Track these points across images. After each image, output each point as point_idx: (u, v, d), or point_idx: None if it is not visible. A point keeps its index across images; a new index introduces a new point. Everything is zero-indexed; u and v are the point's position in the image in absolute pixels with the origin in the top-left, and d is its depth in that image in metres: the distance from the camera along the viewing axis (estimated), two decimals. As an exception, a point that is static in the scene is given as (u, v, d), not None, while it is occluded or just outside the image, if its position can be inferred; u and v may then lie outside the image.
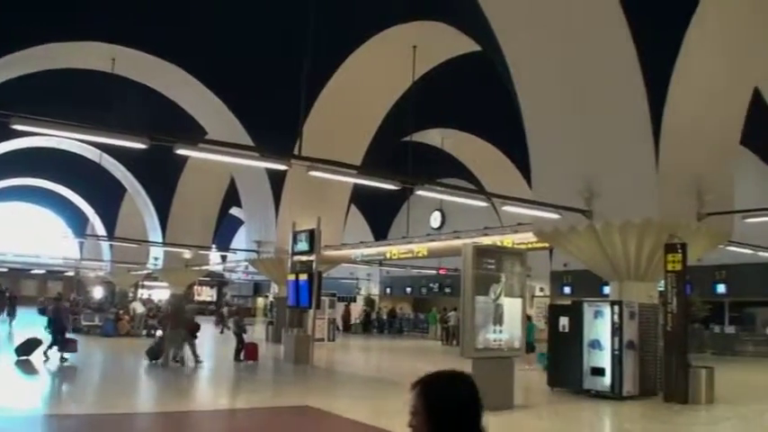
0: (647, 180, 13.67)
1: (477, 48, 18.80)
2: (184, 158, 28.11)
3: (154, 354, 17.15)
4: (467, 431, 2.05)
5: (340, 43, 21.09)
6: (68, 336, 17.73)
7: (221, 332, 31.27)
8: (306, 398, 12.40)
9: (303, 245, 19.54)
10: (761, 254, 20.76)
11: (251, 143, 21.54)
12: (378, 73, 22.28)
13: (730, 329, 27.79)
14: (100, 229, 43.39)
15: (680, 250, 13.15)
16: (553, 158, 15.30)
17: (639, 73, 13.37)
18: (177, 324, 17.31)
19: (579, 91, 14.39)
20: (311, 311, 18.89)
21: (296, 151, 12.59)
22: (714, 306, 24.94)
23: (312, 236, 19.12)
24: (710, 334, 27.35)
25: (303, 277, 18.69)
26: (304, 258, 19.49)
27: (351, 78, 22.16)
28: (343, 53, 21.68)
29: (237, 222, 44.71)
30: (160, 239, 34.25)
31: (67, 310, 20.16)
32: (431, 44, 20.90)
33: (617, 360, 13.00)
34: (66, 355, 16.64)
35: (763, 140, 22.58)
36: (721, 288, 27.69)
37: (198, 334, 18.05)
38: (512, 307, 11.58)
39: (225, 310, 38.32)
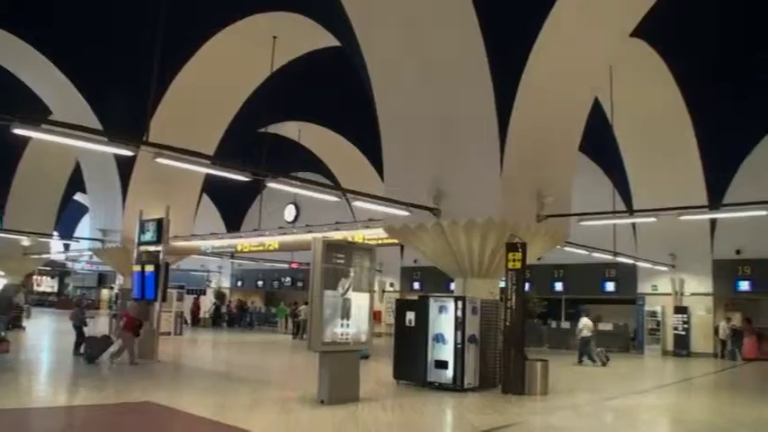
0: (491, 181, 14.23)
1: (337, 42, 18.86)
2: (26, 139, 26.39)
3: (92, 354, 16.24)
4: None
5: (196, 28, 20.51)
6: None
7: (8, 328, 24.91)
8: (149, 394, 11.95)
9: (150, 234, 18.85)
10: (595, 255, 22.22)
11: (99, 126, 20.60)
12: (235, 61, 21.87)
13: (566, 325, 29.55)
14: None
15: (520, 249, 13.74)
16: (405, 157, 15.62)
17: (489, 77, 13.88)
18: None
19: (432, 92, 14.77)
20: (157, 304, 18.27)
21: (146, 137, 12.14)
22: (552, 303, 26.40)
23: (160, 225, 18.45)
24: (548, 329, 29.00)
25: (149, 268, 18.00)
26: (151, 249, 18.78)
27: (207, 65, 21.62)
28: (200, 39, 21.10)
29: (82, 209, 42.54)
30: (-4, 224, 32.01)
31: None
32: (292, 36, 20.77)
33: (459, 353, 13.46)
34: None
35: (600, 147, 24.20)
36: (559, 286, 29.53)
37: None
38: (360, 301, 11.72)
39: (21, 297, 28.94)
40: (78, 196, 38.10)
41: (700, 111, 23.34)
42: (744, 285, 25.86)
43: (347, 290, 11.45)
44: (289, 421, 10.16)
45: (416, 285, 33.33)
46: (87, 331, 18.02)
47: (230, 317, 40.01)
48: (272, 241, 21.97)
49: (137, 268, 18.71)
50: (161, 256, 18.04)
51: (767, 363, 24.22)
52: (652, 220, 20.63)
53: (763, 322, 26.18)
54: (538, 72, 14.02)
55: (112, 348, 16.48)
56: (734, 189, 24.57)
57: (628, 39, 16.81)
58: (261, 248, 22.95)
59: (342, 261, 11.48)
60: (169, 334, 25.21)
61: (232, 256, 31.30)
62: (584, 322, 20.86)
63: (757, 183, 22.72)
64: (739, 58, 20.68)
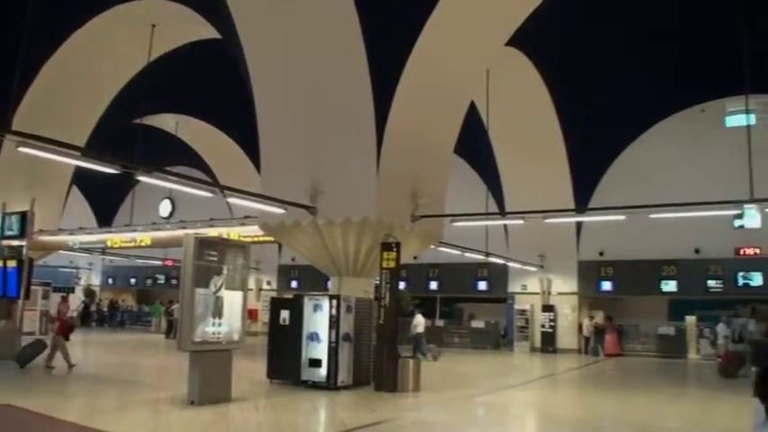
0: (367, 181, 14.37)
1: (218, 35, 18.53)
2: None
3: (24, 358, 15.33)
4: None
5: (70, 12, 19.63)
6: None
7: None
8: (8, 396, 11.35)
9: (13, 228, 17.94)
10: (468, 255, 22.90)
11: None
12: (111, 48, 21.13)
13: (440, 323, 30.35)
14: None
15: (394, 249, 14.00)
16: (282, 154, 15.55)
17: (368, 78, 14.04)
18: None
19: (310, 91, 14.80)
20: (20, 302, 17.41)
21: (10, 125, 11.54)
22: (427, 301, 26.99)
23: (24, 219, 17.61)
24: (422, 326, 29.54)
25: (12, 264, 17.16)
26: (14, 243, 17.88)
27: (80, 51, 20.78)
28: (74, 23, 20.22)
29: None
30: None
31: None
32: (171, 25, 20.27)
33: (333, 352, 13.54)
34: None
35: (476, 150, 24.93)
36: (434, 285, 30.20)
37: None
38: (232, 299, 11.58)
39: None
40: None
41: (569, 116, 24.48)
42: (606, 285, 27.42)
43: (219, 288, 11.30)
44: (157, 423, 9.96)
45: (294, 284, 33.28)
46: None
47: (100, 316, 38.54)
48: (145, 237, 21.38)
49: (-2, 264, 17.76)
50: (24, 251, 17.25)
51: (626, 358, 25.78)
52: (521, 222, 21.49)
53: (623, 320, 27.81)
54: (416, 74, 14.29)
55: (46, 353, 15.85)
56: (599, 193, 26.02)
57: (503, 46, 17.41)
58: (133, 245, 22.29)
59: (214, 258, 11.32)
60: (33, 334, 23.98)
61: (103, 253, 30.20)
62: (419, 319, 21.72)
63: (622, 187, 24.18)
64: (607, 64, 21.77)
